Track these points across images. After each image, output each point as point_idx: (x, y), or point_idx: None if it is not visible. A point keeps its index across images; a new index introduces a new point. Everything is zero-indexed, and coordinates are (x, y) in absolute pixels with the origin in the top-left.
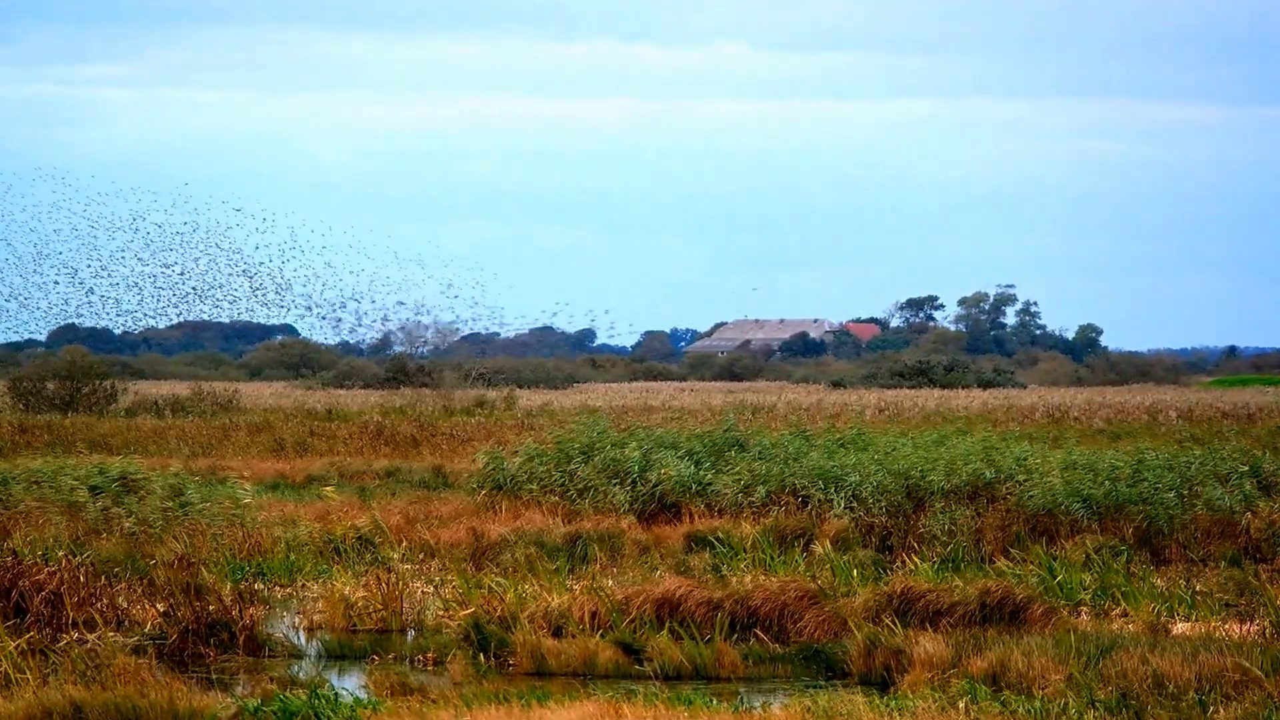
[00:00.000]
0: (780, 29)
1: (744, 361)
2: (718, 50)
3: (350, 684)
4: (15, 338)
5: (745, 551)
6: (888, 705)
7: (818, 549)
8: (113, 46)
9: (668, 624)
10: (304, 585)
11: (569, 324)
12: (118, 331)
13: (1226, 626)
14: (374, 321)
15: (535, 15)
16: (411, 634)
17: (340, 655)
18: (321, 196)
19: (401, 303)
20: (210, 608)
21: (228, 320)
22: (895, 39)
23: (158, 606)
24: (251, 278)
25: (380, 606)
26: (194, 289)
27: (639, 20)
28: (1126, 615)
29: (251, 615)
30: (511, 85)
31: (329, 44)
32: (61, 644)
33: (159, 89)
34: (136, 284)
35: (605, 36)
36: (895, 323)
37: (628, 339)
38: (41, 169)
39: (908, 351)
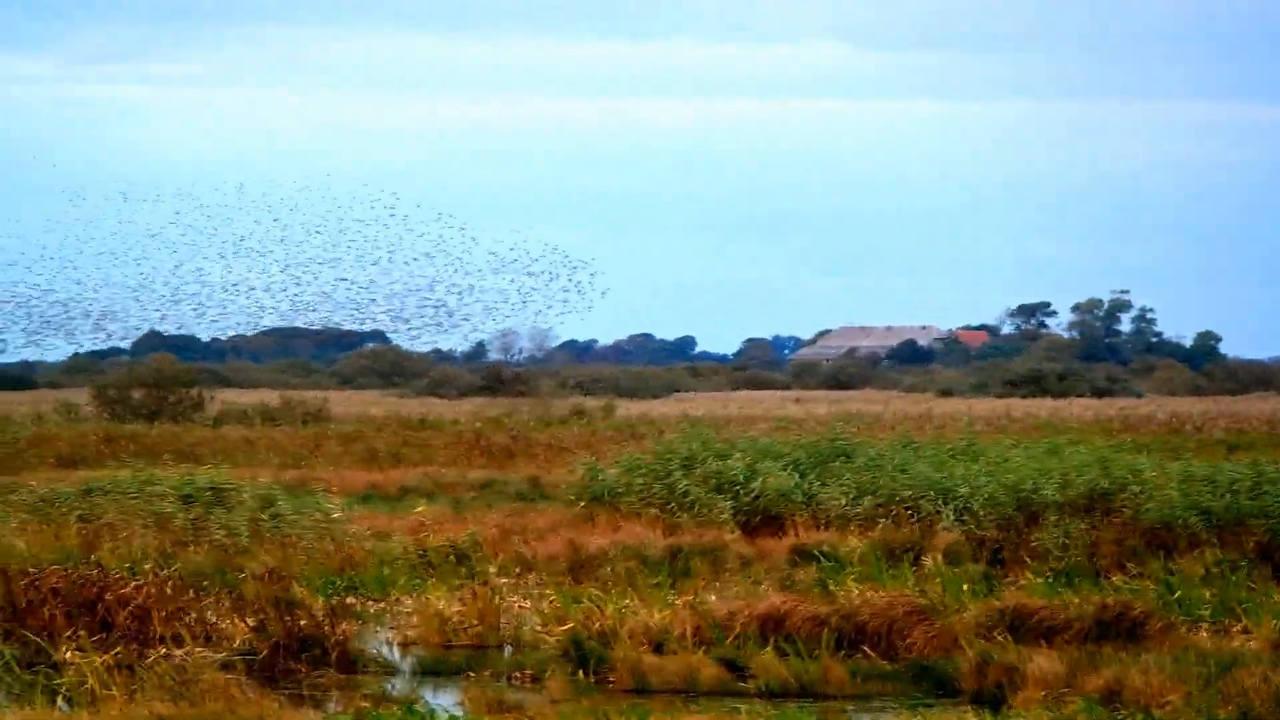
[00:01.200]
0: (875, 27)
1: (849, 370)
2: (808, 48)
3: (446, 701)
4: (100, 346)
5: (852, 565)
6: None
7: (927, 563)
8: (167, 46)
9: (772, 640)
10: (398, 600)
11: (667, 331)
12: (205, 339)
13: None
14: (469, 328)
15: (605, 14)
16: (508, 650)
17: (435, 672)
18: (398, 200)
19: (479, 306)
20: (301, 623)
21: (319, 328)
22: (997, 36)
23: (248, 621)
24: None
25: (476, 621)
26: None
27: (719, 18)
28: (1247, 632)
29: (344, 630)
30: (584, 86)
31: (388, 44)
32: (149, 660)
33: (213, 89)
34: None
35: (682, 35)
36: (1006, 329)
37: (729, 346)
38: (120, 171)
39: (1019, 359)
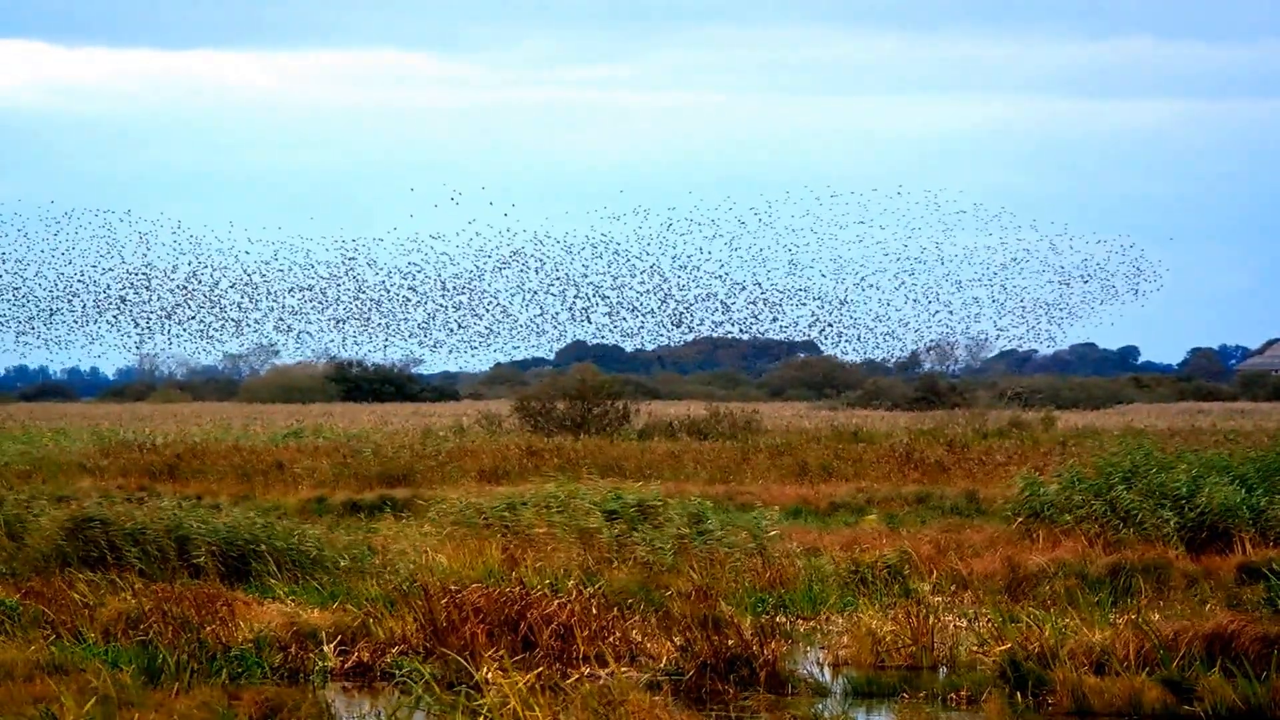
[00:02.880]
0: None
1: None
2: (1263, 47)
3: None
4: (523, 355)
5: None
6: None
7: None
8: (616, 48)
9: (1219, 661)
10: (828, 618)
11: (1110, 340)
12: (629, 349)
13: None
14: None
15: (1067, 12)
16: (943, 671)
17: (867, 693)
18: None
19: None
20: (729, 642)
21: (748, 338)
22: None
23: (673, 640)
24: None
25: (910, 641)
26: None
27: (1178, 17)
28: None
29: (773, 650)
30: (1040, 85)
31: (837, 45)
32: (571, 679)
33: (663, 91)
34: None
35: (1142, 34)
36: None
37: (1174, 356)
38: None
39: None
